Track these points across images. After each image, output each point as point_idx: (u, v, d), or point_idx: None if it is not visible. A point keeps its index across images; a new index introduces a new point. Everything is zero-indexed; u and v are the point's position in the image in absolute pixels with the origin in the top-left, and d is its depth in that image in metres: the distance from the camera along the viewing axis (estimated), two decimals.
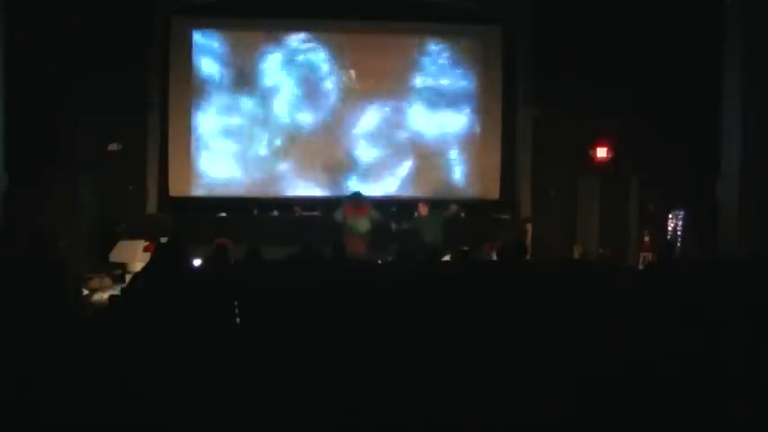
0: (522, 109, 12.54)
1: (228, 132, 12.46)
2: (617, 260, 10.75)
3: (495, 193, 12.79)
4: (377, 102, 12.64)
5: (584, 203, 12.11)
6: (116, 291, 7.37)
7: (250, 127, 12.50)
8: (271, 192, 12.52)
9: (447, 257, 7.99)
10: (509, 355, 3.95)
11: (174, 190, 12.33)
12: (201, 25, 12.48)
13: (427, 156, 12.76)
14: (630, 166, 11.94)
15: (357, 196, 10.77)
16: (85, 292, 7.65)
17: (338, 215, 10.44)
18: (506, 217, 12.22)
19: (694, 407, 3.29)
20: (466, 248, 8.55)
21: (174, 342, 4.00)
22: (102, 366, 3.76)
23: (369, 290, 5.17)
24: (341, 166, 12.60)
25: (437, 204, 11.51)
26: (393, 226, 10.82)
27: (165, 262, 4.72)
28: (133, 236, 9.92)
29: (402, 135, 12.71)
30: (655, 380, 3.53)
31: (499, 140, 12.77)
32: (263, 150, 12.52)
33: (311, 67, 12.57)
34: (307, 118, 12.55)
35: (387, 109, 12.66)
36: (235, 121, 12.47)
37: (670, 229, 11.38)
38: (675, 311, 4.55)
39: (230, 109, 12.46)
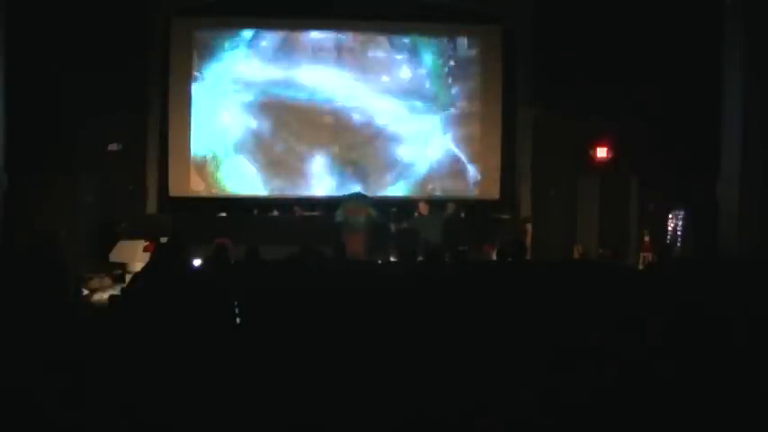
0: (522, 109, 12.54)
1: (229, 132, 12.47)
2: (617, 260, 10.75)
3: (495, 193, 12.79)
4: (377, 101, 12.64)
5: (584, 203, 12.10)
6: (116, 291, 7.38)
7: (250, 126, 12.50)
8: (271, 192, 12.53)
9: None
10: (509, 355, 3.95)
11: (174, 190, 12.33)
12: (202, 25, 12.49)
13: (426, 155, 12.76)
14: (630, 166, 11.93)
15: (357, 196, 10.80)
16: (85, 292, 7.67)
17: (339, 214, 10.47)
18: (506, 217, 12.22)
19: (693, 407, 3.30)
20: (464, 248, 8.57)
21: (174, 342, 4.00)
22: (103, 366, 3.76)
23: (369, 290, 5.17)
24: (341, 165, 12.60)
25: (437, 204, 11.51)
26: (392, 226, 10.83)
27: (165, 262, 4.72)
28: (133, 236, 9.94)
29: (401, 134, 12.72)
30: (654, 380, 3.53)
31: (499, 140, 12.77)
32: (263, 150, 12.52)
33: (311, 67, 12.56)
34: (307, 117, 12.55)
35: (386, 108, 12.66)
36: (235, 120, 12.47)
37: (670, 229, 11.37)
38: (675, 312, 4.55)
39: (231, 109, 12.46)
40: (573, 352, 3.94)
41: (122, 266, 9.46)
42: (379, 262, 9.45)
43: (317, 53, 12.60)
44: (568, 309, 4.67)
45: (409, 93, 12.72)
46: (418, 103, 12.74)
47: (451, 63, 12.81)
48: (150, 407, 3.44)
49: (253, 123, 12.52)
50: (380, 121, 12.67)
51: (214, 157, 12.47)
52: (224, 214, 11.96)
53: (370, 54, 12.68)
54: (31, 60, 10.51)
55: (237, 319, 4.83)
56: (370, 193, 11.51)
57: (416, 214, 10.98)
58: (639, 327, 4.36)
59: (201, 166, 12.45)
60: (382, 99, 12.65)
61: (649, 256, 10.52)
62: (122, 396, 3.49)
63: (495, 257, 9.31)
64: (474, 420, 3.34)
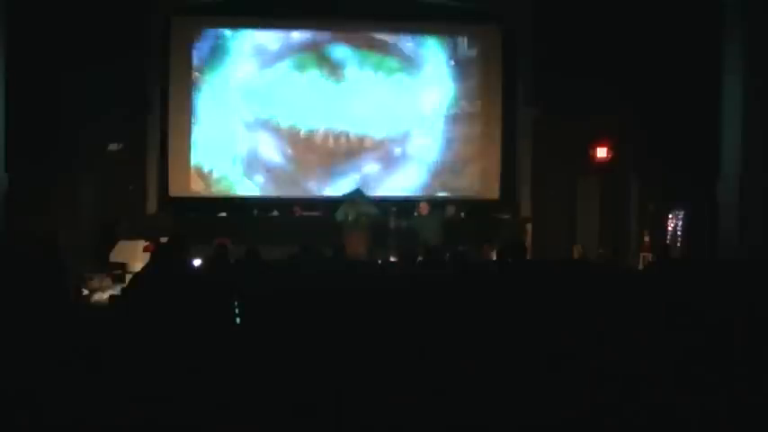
0: (522, 109, 12.55)
1: (229, 132, 12.47)
2: (617, 260, 10.76)
3: (495, 193, 12.80)
4: (377, 101, 12.64)
5: (584, 203, 12.11)
6: (116, 291, 7.38)
7: (250, 126, 12.50)
8: (271, 192, 12.53)
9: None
10: (508, 356, 3.95)
11: (174, 190, 12.33)
12: (201, 25, 12.49)
13: (426, 155, 12.77)
14: (630, 166, 11.94)
15: (357, 193, 10.81)
16: (85, 292, 7.66)
17: (339, 213, 10.49)
18: (506, 217, 12.22)
19: (693, 408, 3.30)
20: (464, 249, 8.58)
21: (174, 342, 4.00)
22: (102, 366, 3.76)
23: (368, 291, 5.17)
24: (342, 165, 12.61)
25: (437, 204, 11.52)
26: (392, 223, 10.84)
27: (165, 262, 4.72)
28: (133, 236, 9.93)
29: (401, 135, 12.72)
30: (654, 380, 3.53)
31: (499, 140, 12.78)
32: (263, 150, 12.53)
33: (311, 67, 12.57)
34: (307, 117, 12.55)
35: (386, 109, 12.65)
36: (235, 120, 12.47)
37: (670, 229, 11.37)
38: (675, 312, 4.55)
39: (231, 109, 12.46)
40: (572, 352, 3.94)
41: (122, 266, 9.45)
42: (379, 262, 9.46)
43: (315, 53, 12.59)
44: (568, 309, 4.67)
45: (409, 92, 12.71)
46: (418, 103, 12.73)
47: (451, 63, 12.81)
48: (150, 406, 3.44)
49: (253, 123, 12.51)
50: (380, 121, 12.66)
51: (214, 157, 12.46)
52: (224, 214, 11.96)
53: (371, 54, 12.67)
54: (31, 60, 10.51)
55: (237, 320, 4.83)
56: (370, 193, 11.51)
57: (416, 214, 10.99)
58: (639, 327, 4.37)
59: (201, 167, 12.45)
60: (382, 99, 12.64)
61: (649, 256, 10.52)
62: (122, 396, 3.49)
63: (494, 257, 9.32)
64: (474, 420, 3.34)
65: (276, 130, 12.53)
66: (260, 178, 12.56)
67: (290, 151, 12.55)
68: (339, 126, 12.58)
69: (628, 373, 3.64)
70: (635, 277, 7.50)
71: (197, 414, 3.42)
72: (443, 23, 12.73)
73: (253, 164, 12.53)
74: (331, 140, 12.59)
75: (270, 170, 12.56)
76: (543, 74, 11.99)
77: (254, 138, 12.51)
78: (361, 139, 12.63)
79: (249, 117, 12.49)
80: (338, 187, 12.27)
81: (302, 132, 12.55)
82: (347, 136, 12.60)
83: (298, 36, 12.60)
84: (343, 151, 12.60)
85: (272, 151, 12.54)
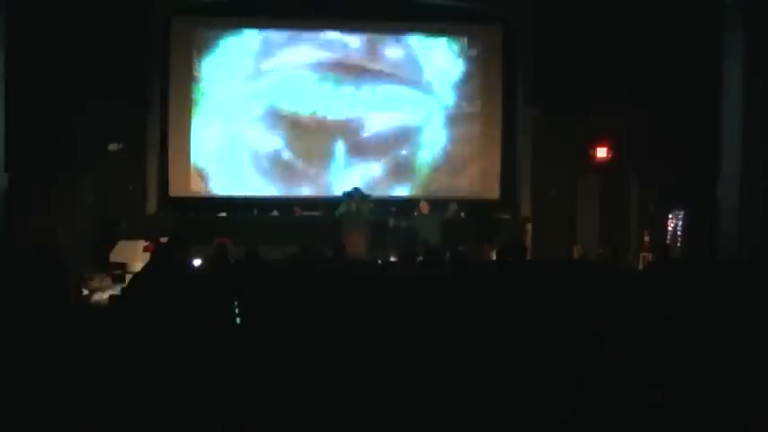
0: (522, 109, 12.55)
1: (229, 132, 12.47)
2: (617, 260, 10.75)
3: (495, 193, 12.80)
4: (377, 101, 12.64)
5: (585, 203, 12.11)
6: (116, 291, 7.37)
7: (251, 126, 12.51)
8: (271, 191, 12.53)
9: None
10: (507, 356, 3.95)
11: (174, 190, 12.34)
12: (201, 25, 12.50)
13: (427, 155, 12.77)
14: (630, 166, 11.94)
15: (357, 192, 10.83)
16: (85, 292, 7.66)
17: (341, 208, 10.51)
18: (506, 217, 12.22)
19: (693, 407, 3.30)
20: (464, 248, 8.59)
21: (174, 342, 4.00)
22: (102, 366, 3.76)
23: (368, 290, 5.17)
24: (343, 164, 12.61)
25: (437, 204, 11.52)
26: (391, 221, 10.85)
27: (165, 262, 4.72)
28: (133, 236, 9.94)
29: (402, 135, 12.72)
30: (652, 381, 3.53)
31: (499, 140, 12.78)
32: (263, 150, 12.53)
33: (311, 67, 12.57)
34: (307, 118, 12.55)
35: (387, 108, 12.65)
36: (235, 120, 12.47)
37: (670, 229, 11.38)
38: (674, 312, 4.55)
39: (231, 108, 12.46)
40: (572, 352, 3.94)
41: (122, 266, 9.46)
42: (379, 262, 9.46)
43: (316, 53, 12.60)
44: (568, 309, 4.67)
45: (410, 92, 12.71)
46: (418, 103, 12.73)
47: (451, 63, 12.81)
48: (150, 407, 3.44)
49: (253, 123, 12.52)
50: (381, 120, 12.66)
51: (214, 157, 12.46)
52: (224, 214, 11.96)
53: (371, 54, 12.67)
54: (31, 61, 10.52)
55: (237, 320, 4.83)
56: (371, 193, 11.51)
57: (416, 213, 10.99)
58: (639, 327, 4.37)
59: (201, 167, 12.45)
60: (383, 99, 12.64)
61: (649, 256, 10.52)
62: (122, 396, 3.49)
63: (494, 257, 9.32)
64: (475, 421, 3.34)
65: (276, 130, 12.53)
66: (260, 178, 12.56)
67: (290, 150, 12.56)
68: (340, 125, 12.60)
69: (628, 373, 3.63)
70: (635, 277, 7.50)
71: (197, 414, 3.42)
72: (443, 23, 12.74)
73: (253, 163, 12.53)
74: (332, 140, 12.61)
75: (270, 169, 12.56)
76: (543, 74, 12.01)
77: (254, 137, 12.52)
78: (362, 139, 12.64)
79: (249, 116, 12.50)
80: (339, 186, 12.27)
81: (302, 131, 12.56)
82: (348, 135, 12.62)
83: (297, 35, 12.60)
84: (345, 150, 12.62)
85: (272, 150, 12.54)
